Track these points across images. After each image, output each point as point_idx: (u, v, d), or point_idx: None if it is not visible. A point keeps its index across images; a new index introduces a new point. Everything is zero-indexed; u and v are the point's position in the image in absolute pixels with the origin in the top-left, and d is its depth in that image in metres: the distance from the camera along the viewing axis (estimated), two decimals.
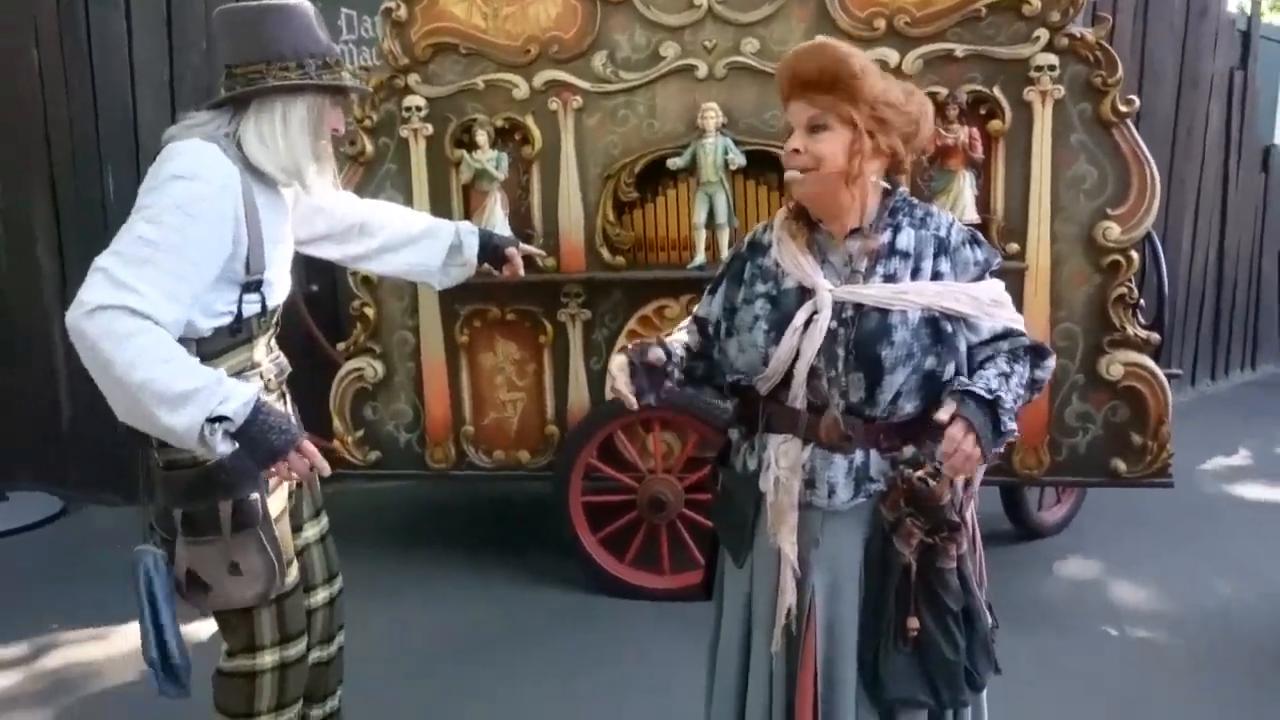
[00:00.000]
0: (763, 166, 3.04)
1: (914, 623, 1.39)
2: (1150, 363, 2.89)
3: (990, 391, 1.35)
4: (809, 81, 1.40)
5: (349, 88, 1.75)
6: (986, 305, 1.45)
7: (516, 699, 2.62)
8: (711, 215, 2.99)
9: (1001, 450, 1.41)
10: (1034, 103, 2.82)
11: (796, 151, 1.42)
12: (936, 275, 1.45)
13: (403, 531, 3.86)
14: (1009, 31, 2.82)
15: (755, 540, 1.52)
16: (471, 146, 3.08)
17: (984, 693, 1.54)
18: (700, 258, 3.02)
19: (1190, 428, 4.42)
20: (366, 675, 2.50)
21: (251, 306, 1.70)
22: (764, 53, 2.96)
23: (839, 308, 1.42)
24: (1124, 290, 2.86)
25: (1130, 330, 2.88)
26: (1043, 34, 2.79)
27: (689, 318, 1.68)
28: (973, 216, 2.83)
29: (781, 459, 1.46)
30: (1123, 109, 2.79)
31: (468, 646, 2.92)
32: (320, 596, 1.95)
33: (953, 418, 1.32)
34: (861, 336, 1.40)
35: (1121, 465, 2.93)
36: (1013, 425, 1.35)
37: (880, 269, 1.44)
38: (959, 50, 2.84)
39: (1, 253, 4.58)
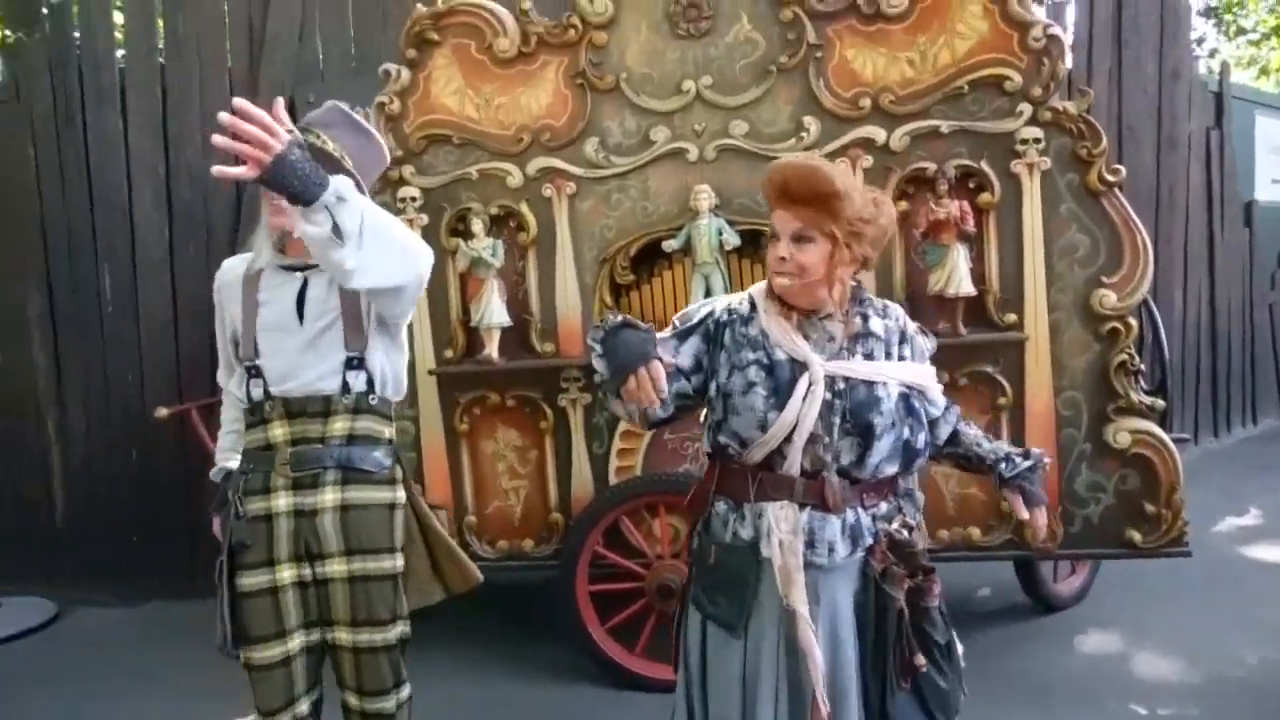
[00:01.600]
0: (757, 245, 3.06)
1: (921, 659, 1.57)
2: (1158, 430, 2.86)
3: (1026, 457, 1.75)
4: (797, 198, 1.55)
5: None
6: (935, 383, 1.72)
7: None
8: (708, 294, 2.99)
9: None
10: (1021, 175, 2.86)
11: (783, 259, 1.58)
12: (901, 358, 1.67)
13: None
14: (992, 107, 2.87)
15: (754, 608, 1.60)
16: (467, 235, 3.10)
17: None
18: None
19: (1198, 487, 4.36)
20: None
21: (255, 389, 1.97)
22: (753, 134, 3.00)
23: (830, 380, 1.58)
24: (1125, 357, 2.85)
25: (1134, 397, 2.87)
26: (1025, 108, 2.84)
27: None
28: (969, 289, 2.84)
29: (783, 523, 1.57)
30: (1110, 178, 2.82)
31: None
32: (295, 643, 1.96)
33: (1022, 496, 1.71)
34: (855, 406, 1.57)
35: (1136, 535, 2.88)
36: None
37: (860, 348, 1.62)
38: (944, 126, 2.89)
39: None
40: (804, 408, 1.54)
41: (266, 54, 4.31)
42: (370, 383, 1.99)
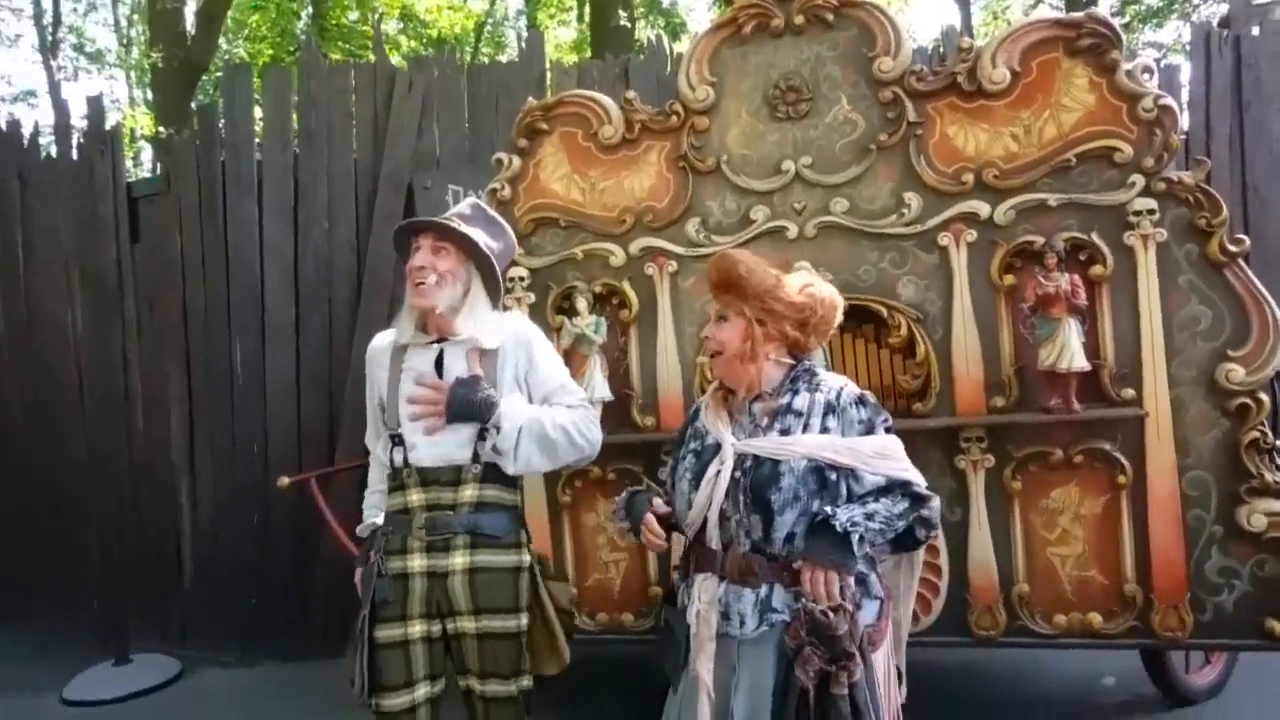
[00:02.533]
0: (860, 320, 3.05)
1: None
2: None
3: (840, 520, 1.63)
4: (714, 284, 1.83)
5: (414, 222, 2.21)
6: (867, 456, 1.71)
7: None
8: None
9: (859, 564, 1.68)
10: (1136, 247, 2.78)
11: (707, 338, 1.83)
12: (825, 431, 1.73)
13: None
14: (1102, 179, 2.82)
15: (686, 669, 1.74)
16: (572, 313, 3.20)
17: None
18: None
19: None
20: None
21: (398, 456, 2.14)
22: (853, 211, 3.03)
23: (740, 459, 1.71)
24: (1257, 434, 2.70)
25: (1269, 477, 2.70)
26: (1138, 179, 2.78)
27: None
28: (1082, 364, 2.75)
29: (703, 594, 1.71)
30: (1232, 249, 2.71)
31: None
32: (420, 692, 2.12)
33: (804, 562, 1.64)
34: (755, 482, 1.68)
35: (1277, 625, 2.68)
36: (863, 550, 1.64)
37: (777, 425, 1.74)
38: (1052, 200, 2.85)
39: (139, 418, 4.92)
40: (714, 488, 1.70)
41: (389, 145, 4.61)
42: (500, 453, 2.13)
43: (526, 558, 2.19)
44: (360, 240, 4.63)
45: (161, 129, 6.84)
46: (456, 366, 2.12)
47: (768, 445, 1.69)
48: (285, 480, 3.84)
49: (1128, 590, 2.82)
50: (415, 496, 2.12)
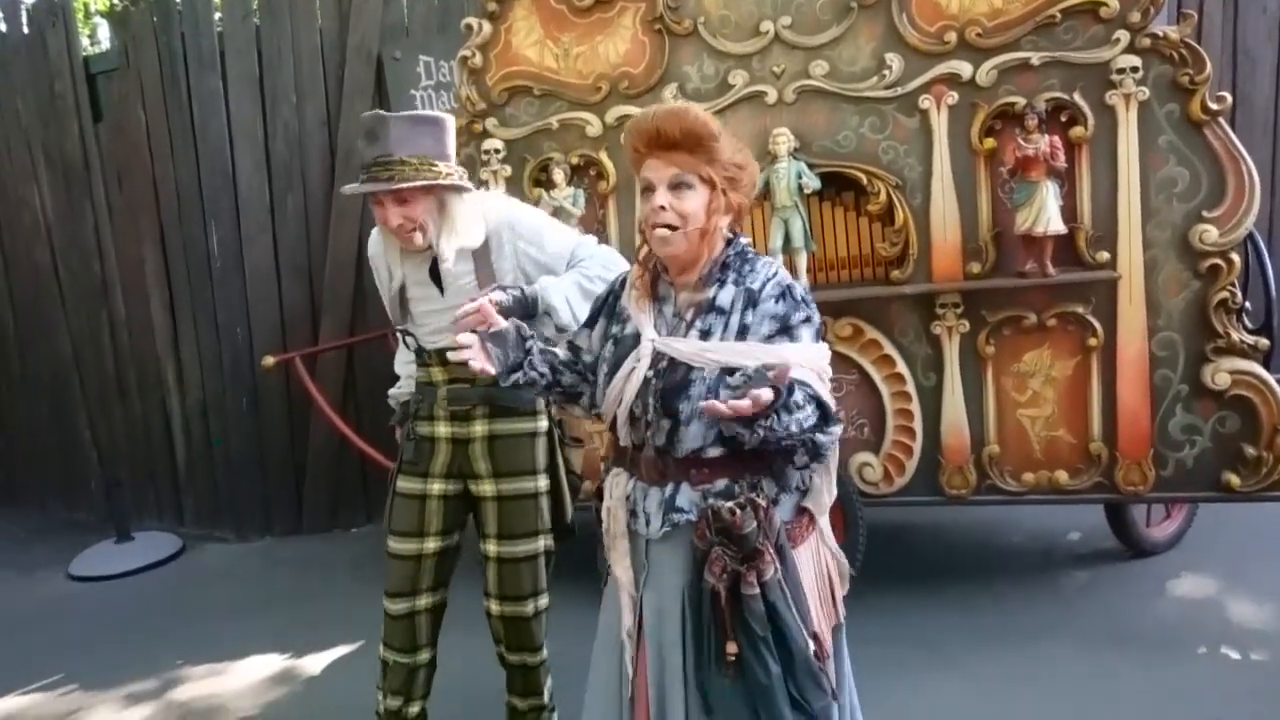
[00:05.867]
0: (838, 188, 3.03)
1: (732, 647, 1.45)
2: (1260, 370, 2.75)
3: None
4: (672, 143, 1.49)
5: (368, 190, 2.05)
6: (788, 358, 1.45)
7: None
8: (788, 240, 2.99)
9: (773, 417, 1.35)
10: (1117, 106, 2.74)
11: (663, 209, 1.50)
12: (744, 327, 1.52)
13: None
14: (1086, 35, 2.75)
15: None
16: (549, 185, 3.16)
17: (832, 714, 1.56)
18: None
19: None
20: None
21: (413, 342, 2.27)
22: (834, 74, 2.96)
23: (657, 358, 1.53)
24: (1226, 295, 2.74)
25: (1235, 336, 2.76)
26: (1123, 36, 2.72)
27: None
28: (1059, 227, 2.76)
29: (615, 490, 1.62)
30: (1214, 107, 2.68)
31: None
32: (430, 545, 2.26)
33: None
34: (666, 389, 1.52)
35: (1234, 479, 2.79)
36: (785, 420, 1.36)
37: (699, 324, 1.54)
38: (1035, 58, 2.79)
39: (120, 304, 4.89)
40: (625, 386, 1.54)
41: (354, 14, 4.42)
42: None
43: (544, 423, 2.28)
44: (330, 116, 4.50)
45: (116, 1, 6.52)
46: (453, 272, 2.15)
47: (685, 350, 1.51)
48: (270, 360, 3.87)
49: (1093, 449, 2.91)
50: (438, 373, 2.24)
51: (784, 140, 2.95)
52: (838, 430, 1.49)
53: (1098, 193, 2.81)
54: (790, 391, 1.35)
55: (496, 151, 3.23)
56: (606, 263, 2.16)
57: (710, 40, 3.03)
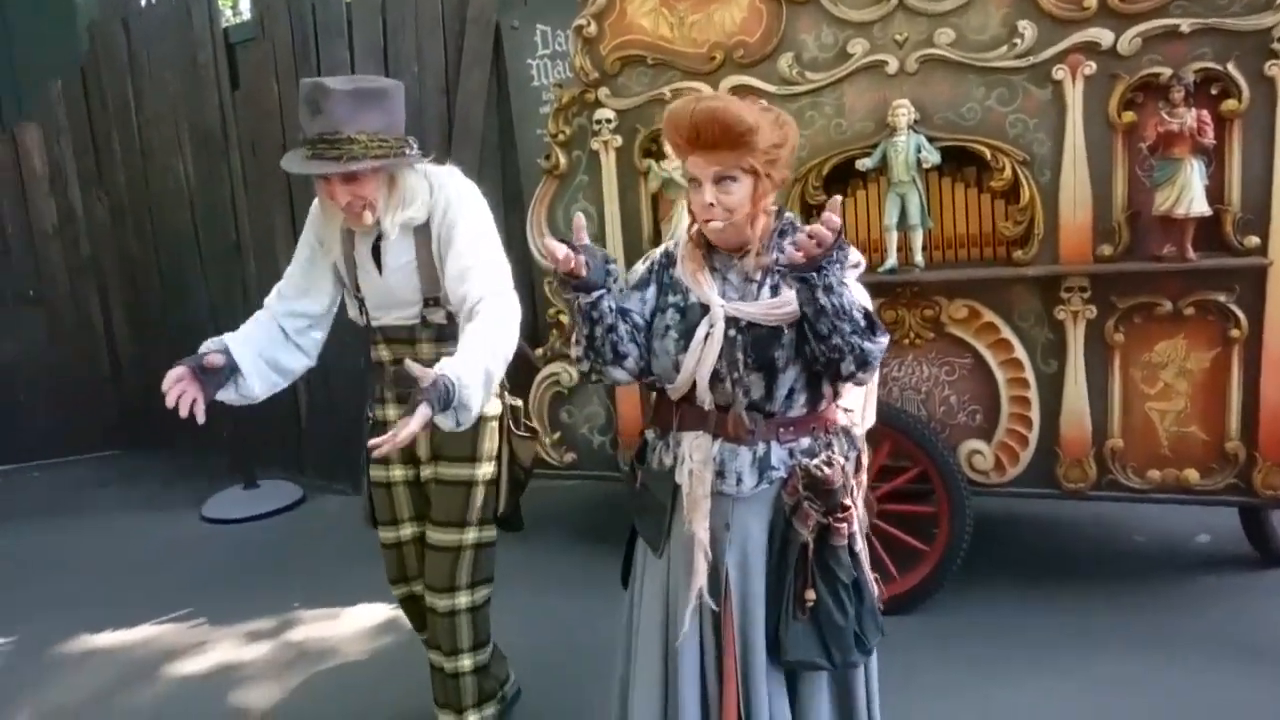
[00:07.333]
0: (960, 162, 2.90)
1: (811, 594, 1.60)
2: None
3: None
4: (710, 143, 1.54)
5: (314, 173, 1.97)
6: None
7: None
8: (904, 216, 2.89)
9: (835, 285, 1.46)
10: (1277, 78, 2.51)
11: (711, 205, 1.57)
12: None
13: (591, 529, 4.03)
14: (1245, 0, 2.53)
15: (672, 530, 1.70)
16: (660, 156, 3.14)
17: (874, 655, 1.72)
18: (892, 260, 2.92)
19: None
20: (550, 666, 2.62)
21: (360, 316, 2.24)
22: (960, 43, 2.81)
23: (733, 319, 1.60)
24: None
25: None
26: None
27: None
28: (1203, 208, 2.56)
29: (695, 453, 1.65)
30: None
31: None
32: (406, 532, 2.28)
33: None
34: (757, 341, 1.59)
35: None
36: (834, 280, 1.46)
37: (769, 282, 1.62)
38: (1185, 25, 2.58)
39: (252, 267, 5.17)
40: (704, 350, 1.60)
41: None
42: (450, 316, 2.12)
43: (494, 408, 2.18)
44: (449, 85, 4.59)
45: None
46: (395, 251, 2.08)
47: (757, 310, 1.59)
48: None
49: (1229, 448, 2.72)
50: (384, 352, 2.22)
51: (904, 113, 2.83)
52: (884, 340, 1.56)
53: (1249, 172, 2.59)
54: (842, 249, 1.45)
55: (608, 121, 3.23)
56: (504, 333, 1.94)
57: (829, 7, 2.93)
